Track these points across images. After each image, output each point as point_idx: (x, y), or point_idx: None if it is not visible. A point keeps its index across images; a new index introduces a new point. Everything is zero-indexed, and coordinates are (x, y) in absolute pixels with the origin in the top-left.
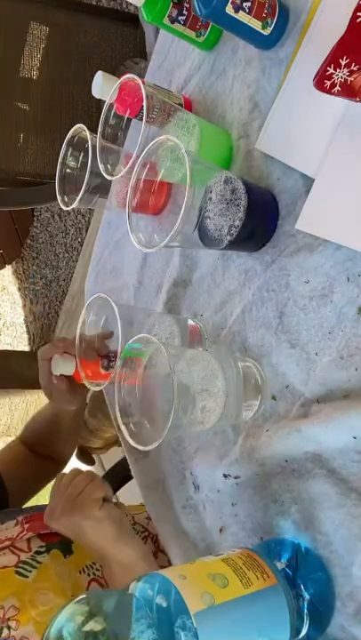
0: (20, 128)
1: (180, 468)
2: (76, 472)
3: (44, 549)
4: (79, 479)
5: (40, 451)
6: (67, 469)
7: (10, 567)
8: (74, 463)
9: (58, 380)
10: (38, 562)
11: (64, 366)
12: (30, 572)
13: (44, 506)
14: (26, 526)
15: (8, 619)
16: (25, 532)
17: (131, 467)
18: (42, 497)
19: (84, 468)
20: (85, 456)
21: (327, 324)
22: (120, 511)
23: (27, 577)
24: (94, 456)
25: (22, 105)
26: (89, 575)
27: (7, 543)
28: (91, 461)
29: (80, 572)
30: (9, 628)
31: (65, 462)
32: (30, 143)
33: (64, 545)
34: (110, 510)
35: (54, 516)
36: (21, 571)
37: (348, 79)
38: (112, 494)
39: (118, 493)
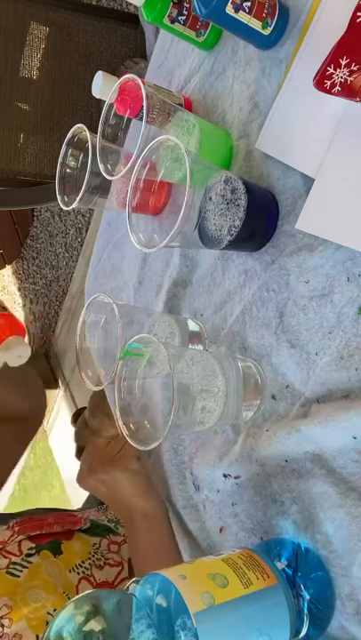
0: (20, 128)
1: (181, 468)
2: (110, 438)
3: (33, 551)
4: (115, 441)
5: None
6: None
7: (1, 569)
8: (74, 463)
9: None
10: (29, 562)
11: None
12: (21, 571)
13: (36, 510)
14: (16, 529)
15: (1, 617)
16: (15, 535)
17: None
18: (30, 500)
19: None
20: None
21: (327, 324)
22: (148, 470)
23: (18, 577)
24: None
25: (22, 105)
26: (78, 574)
27: None
28: None
29: (70, 571)
30: (2, 625)
31: (35, 417)
32: (30, 143)
33: (53, 545)
34: (144, 465)
35: (94, 470)
36: (12, 571)
37: (349, 79)
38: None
39: None
